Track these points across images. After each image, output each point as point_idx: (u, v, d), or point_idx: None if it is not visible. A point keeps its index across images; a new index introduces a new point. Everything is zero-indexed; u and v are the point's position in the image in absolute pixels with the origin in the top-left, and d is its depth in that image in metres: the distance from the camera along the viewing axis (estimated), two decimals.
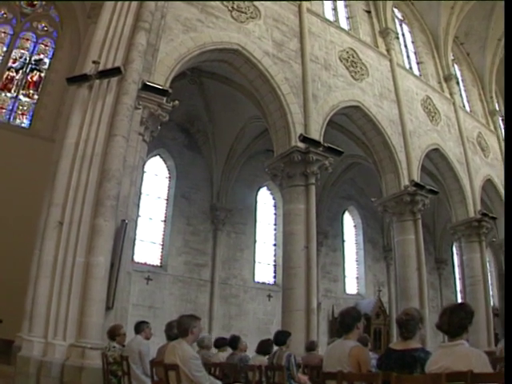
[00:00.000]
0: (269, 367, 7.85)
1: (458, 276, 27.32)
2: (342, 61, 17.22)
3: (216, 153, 20.41)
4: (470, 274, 19.78)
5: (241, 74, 15.02)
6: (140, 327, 7.88)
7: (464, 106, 23.76)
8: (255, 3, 15.51)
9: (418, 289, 16.09)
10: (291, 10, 16.60)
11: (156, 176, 19.98)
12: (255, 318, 20.05)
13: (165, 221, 19.75)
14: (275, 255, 21.64)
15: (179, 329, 5.72)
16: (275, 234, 22.01)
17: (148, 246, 18.88)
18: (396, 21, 22.37)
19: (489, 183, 22.44)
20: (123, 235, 10.10)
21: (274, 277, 21.45)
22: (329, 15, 18.47)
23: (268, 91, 14.90)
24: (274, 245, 21.92)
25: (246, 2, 15.29)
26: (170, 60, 12.65)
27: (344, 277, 24.04)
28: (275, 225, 22.26)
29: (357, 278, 24.68)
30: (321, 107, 15.60)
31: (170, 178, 20.37)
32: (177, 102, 12.03)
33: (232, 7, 14.86)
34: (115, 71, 11.01)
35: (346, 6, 19.90)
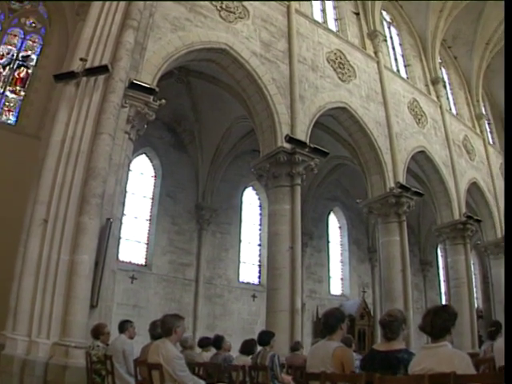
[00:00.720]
0: (252, 367, 7.90)
1: (442, 278, 27.59)
2: (329, 62, 17.32)
3: (202, 152, 20.42)
4: (454, 276, 19.98)
5: (228, 73, 15.06)
6: (124, 326, 7.89)
7: (450, 109, 23.96)
8: (244, 3, 15.56)
9: (403, 290, 16.23)
10: (280, 10, 16.67)
11: (142, 175, 19.96)
12: (240, 318, 20.10)
13: (150, 220, 19.73)
14: (260, 255, 21.73)
15: (163, 328, 5.75)
16: (260, 235, 22.11)
17: (133, 245, 18.85)
18: (384, 23, 22.54)
19: (474, 186, 22.68)
20: (108, 234, 10.11)
21: (259, 277, 21.51)
22: (317, 16, 18.57)
23: (255, 91, 14.96)
24: (259, 245, 21.99)
25: (234, 2, 15.33)
26: (157, 59, 12.67)
27: (329, 278, 24.17)
28: (260, 225, 22.34)
29: (341, 278, 24.81)
30: (307, 108, 15.69)
31: (155, 176, 20.35)
32: (163, 100, 12.04)
33: (221, 7, 14.90)
34: (102, 69, 11.01)
35: (334, 8, 20.01)
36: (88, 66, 11.05)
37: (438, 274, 28.14)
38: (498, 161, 26.20)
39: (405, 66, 22.26)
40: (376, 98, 18.50)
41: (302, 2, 17.61)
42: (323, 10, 19.39)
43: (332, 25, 19.25)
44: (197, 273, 19.78)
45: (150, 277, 18.76)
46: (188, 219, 20.39)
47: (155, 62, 12.58)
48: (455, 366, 3.58)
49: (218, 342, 9.86)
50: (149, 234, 19.61)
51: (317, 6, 19.14)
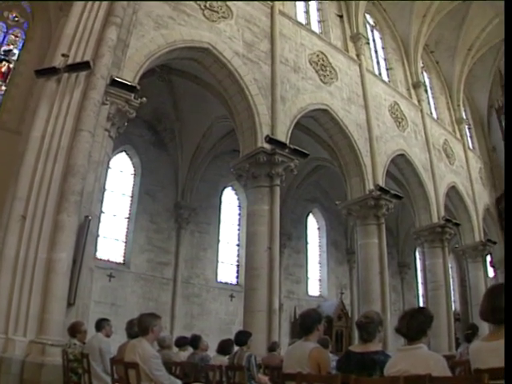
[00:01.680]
0: (229, 367, 7.94)
1: (420, 280, 27.88)
2: (311, 64, 17.44)
3: (182, 151, 20.45)
4: (432, 279, 20.21)
5: (210, 73, 15.10)
6: (101, 324, 7.90)
7: (431, 114, 24.23)
8: (228, 3, 15.60)
9: (380, 292, 16.40)
10: (263, 11, 16.75)
11: (121, 172, 19.91)
12: (217, 317, 20.17)
13: (128, 218, 19.70)
14: (238, 255, 21.84)
15: (140, 327, 5.78)
16: (239, 235, 22.20)
17: (111, 243, 18.81)
18: (367, 26, 22.73)
19: (453, 190, 22.96)
20: (86, 231, 10.11)
21: (237, 277, 21.58)
22: (301, 18, 18.70)
23: (236, 91, 15.03)
24: (238, 245, 22.06)
25: (218, 2, 15.36)
26: (139, 56, 12.69)
27: (307, 278, 24.31)
28: (239, 225, 22.43)
29: (319, 280, 24.97)
30: (288, 109, 15.80)
31: (135, 174, 20.32)
32: (144, 98, 12.06)
33: (204, 6, 14.94)
34: (84, 65, 11.00)
35: (318, 10, 20.14)
36: (70, 62, 11.05)
37: (416, 276, 28.44)
38: (477, 165, 26.55)
39: (387, 70, 22.46)
40: (357, 101, 18.66)
41: (285, 4, 17.71)
42: (307, 12, 19.51)
43: (315, 27, 19.38)
44: (175, 272, 19.79)
45: (128, 275, 18.73)
46: (167, 218, 20.39)
47: (137, 60, 12.59)
48: (431, 368, 3.63)
49: (195, 341, 9.89)
50: (127, 232, 19.58)
51: (300, 7, 19.27)
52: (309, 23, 19.08)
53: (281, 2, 17.42)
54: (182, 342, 10.40)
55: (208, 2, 15.08)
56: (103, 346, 7.47)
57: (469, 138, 27.47)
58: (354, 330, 21.07)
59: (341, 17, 20.46)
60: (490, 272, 26.28)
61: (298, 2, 19.06)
